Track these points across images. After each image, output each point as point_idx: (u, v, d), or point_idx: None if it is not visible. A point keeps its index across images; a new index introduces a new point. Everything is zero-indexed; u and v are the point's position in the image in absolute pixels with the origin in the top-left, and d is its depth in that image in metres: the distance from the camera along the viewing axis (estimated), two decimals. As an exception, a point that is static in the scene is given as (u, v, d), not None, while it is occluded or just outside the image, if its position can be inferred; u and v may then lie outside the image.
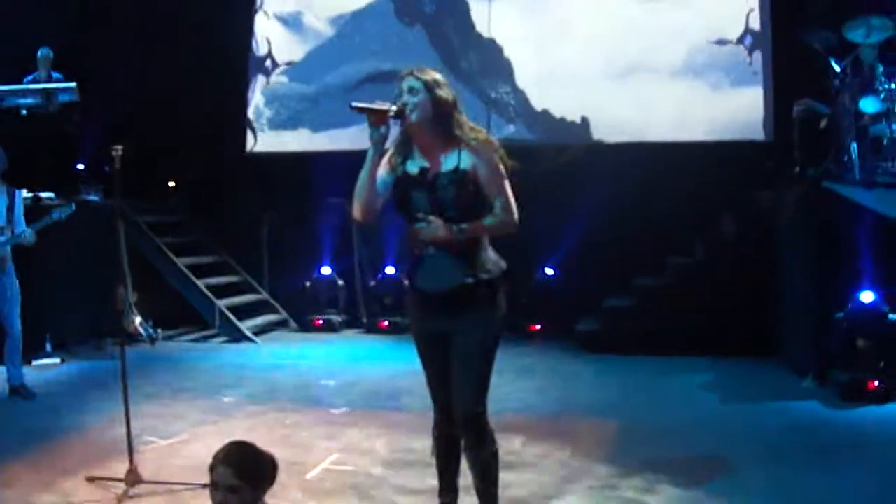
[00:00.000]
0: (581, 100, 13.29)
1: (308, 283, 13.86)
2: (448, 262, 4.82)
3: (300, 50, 14.78)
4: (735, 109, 12.76)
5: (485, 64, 13.77)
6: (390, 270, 13.51)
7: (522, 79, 13.64)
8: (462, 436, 5.01)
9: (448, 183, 4.81)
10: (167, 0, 13.79)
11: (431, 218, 4.76)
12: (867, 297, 8.94)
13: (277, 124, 14.81)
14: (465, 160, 4.82)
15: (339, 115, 13.33)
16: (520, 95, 13.63)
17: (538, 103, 13.54)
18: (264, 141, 14.75)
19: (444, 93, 4.86)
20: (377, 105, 4.79)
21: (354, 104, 4.80)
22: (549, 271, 13.02)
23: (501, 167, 4.86)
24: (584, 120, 13.28)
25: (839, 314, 8.98)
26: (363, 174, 4.85)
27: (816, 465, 6.63)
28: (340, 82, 14.35)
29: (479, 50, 13.85)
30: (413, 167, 4.92)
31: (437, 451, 5.26)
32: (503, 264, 4.98)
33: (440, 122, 4.85)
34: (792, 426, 7.81)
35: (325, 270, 13.89)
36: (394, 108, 4.79)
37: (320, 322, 13.74)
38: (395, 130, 4.92)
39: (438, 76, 4.92)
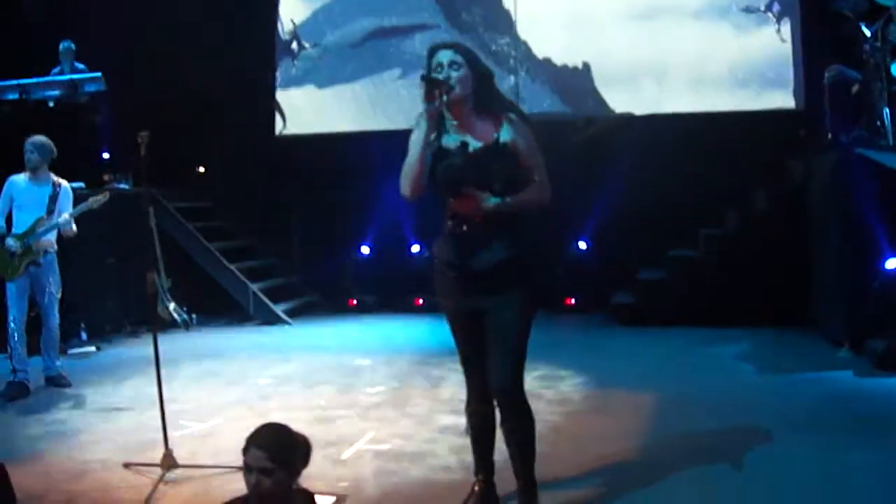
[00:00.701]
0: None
1: (342, 264, 13.87)
2: (486, 238, 4.79)
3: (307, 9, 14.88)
4: (765, 78, 12.68)
5: (486, 16, 13.78)
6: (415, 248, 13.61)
7: (524, 30, 13.66)
8: (500, 411, 5.01)
9: (492, 155, 4.79)
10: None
11: (476, 192, 4.72)
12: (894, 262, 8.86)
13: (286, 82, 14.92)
14: (505, 133, 4.81)
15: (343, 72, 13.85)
16: (521, 46, 13.65)
17: (539, 52, 13.57)
18: (292, 123, 14.77)
19: (484, 67, 4.88)
20: (439, 76, 4.74)
21: (430, 75, 4.73)
22: (583, 245, 13.00)
23: (536, 143, 4.85)
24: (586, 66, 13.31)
25: (874, 282, 8.90)
26: (416, 150, 4.78)
27: (853, 436, 6.56)
28: (343, 40, 14.51)
29: (480, 2, 13.89)
30: (451, 141, 4.87)
31: (472, 429, 5.26)
32: (539, 239, 4.96)
33: (481, 96, 4.84)
34: (828, 396, 7.76)
35: (365, 250, 13.94)
36: (445, 82, 4.73)
37: (354, 302, 13.77)
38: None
39: (473, 49, 4.94)
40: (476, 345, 4.98)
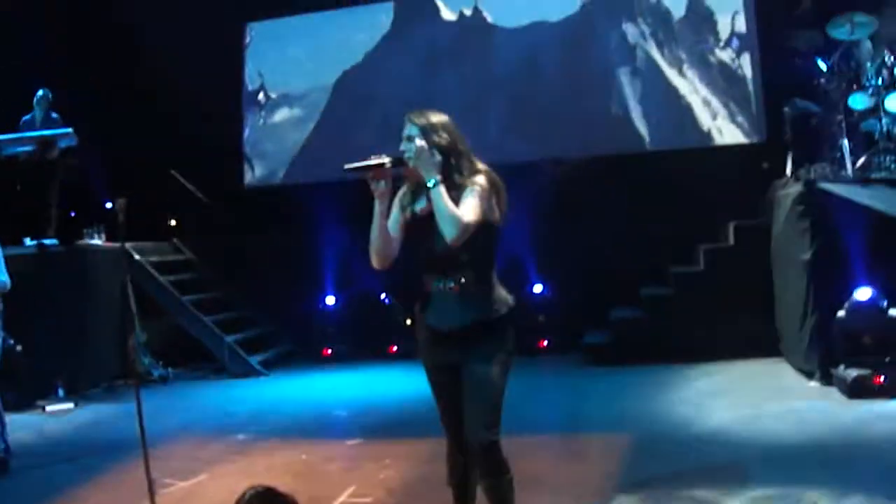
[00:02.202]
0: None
1: (316, 313, 13.93)
2: (458, 300, 4.89)
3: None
4: (726, 112, 12.89)
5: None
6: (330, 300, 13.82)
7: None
8: (477, 465, 5.03)
9: None
10: (159, 34, 13.93)
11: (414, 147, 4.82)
12: (864, 293, 9.03)
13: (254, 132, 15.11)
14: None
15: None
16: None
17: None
18: (260, 173, 14.90)
19: (441, 137, 4.89)
20: (373, 160, 4.83)
21: (348, 166, 4.86)
22: (539, 288, 12.93)
23: (486, 187, 4.83)
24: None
25: (840, 312, 9.05)
26: (373, 227, 4.91)
27: (827, 468, 6.64)
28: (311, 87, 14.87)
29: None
30: (420, 207, 4.98)
31: (452, 480, 5.30)
32: (511, 301, 5.04)
33: (446, 165, 4.88)
34: (801, 427, 7.85)
35: (330, 300, 13.96)
36: (388, 159, 4.83)
37: (328, 352, 13.80)
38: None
39: (436, 119, 4.95)
40: (452, 398, 5.03)
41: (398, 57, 14.46)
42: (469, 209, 4.73)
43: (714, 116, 12.98)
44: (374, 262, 4.99)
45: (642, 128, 13.25)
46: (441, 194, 4.72)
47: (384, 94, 14.11)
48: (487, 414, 4.91)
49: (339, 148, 13.86)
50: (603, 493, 6.55)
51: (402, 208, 5.02)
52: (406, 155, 4.86)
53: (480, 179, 4.85)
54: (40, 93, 12.84)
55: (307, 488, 6.84)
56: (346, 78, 14.65)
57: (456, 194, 4.80)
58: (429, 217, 4.88)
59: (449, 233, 4.68)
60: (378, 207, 4.88)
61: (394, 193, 5.00)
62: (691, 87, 13.06)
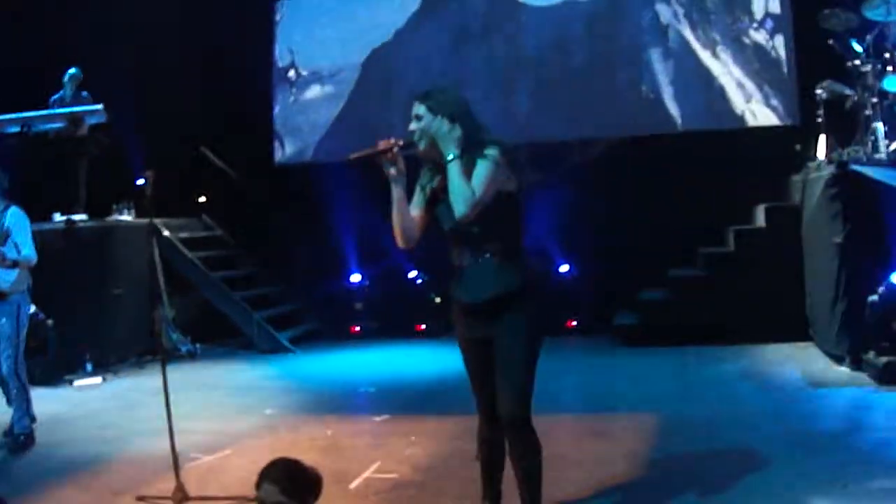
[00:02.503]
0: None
1: (343, 291, 13.95)
2: (486, 273, 4.88)
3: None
4: (759, 94, 12.78)
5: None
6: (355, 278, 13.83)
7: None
8: (507, 439, 5.06)
9: None
10: (191, 9, 13.95)
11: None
12: (897, 278, 8.93)
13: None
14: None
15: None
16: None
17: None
18: (290, 150, 14.90)
19: (450, 112, 4.86)
20: (380, 145, 4.83)
21: (352, 156, 4.88)
22: (565, 268, 12.94)
23: (495, 168, 4.78)
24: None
25: (872, 297, 8.96)
26: (393, 210, 4.93)
27: (854, 453, 6.59)
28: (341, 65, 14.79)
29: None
30: (436, 183, 5.00)
31: (481, 456, 5.33)
32: (539, 273, 5.03)
33: (462, 138, 4.86)
34: (829, 412, 7.80)
35: (355, 278, 13.98)
36: (401, 142, 4.84)
37: (357, 329, 13.82)
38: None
39: (444, 95, 4.96)
40: (484, 373, 5.05)
41: (427, 36, 14.34)
42: (480, 183, 4.73)
43: (747, 98, 12.84)
44: (399, 243, 5.00)
45: (674, 109, 13.12)
46: (457, 170, 4.72)
47: (412, 73, 14.04)
48: (519, 389, 4.93)
49: (368, 127, 13.80)
50: (626, 470, 6.55)
51: (423, 188, 5.04)
52: (415, 136, 4.86)
53: (493, 152, 4.82)
54: (71, 71, 12.87)
55: (332, 463, 6.87)
56: (374, 56, 14.57)
57: (470, 167, 4.80)
58: (440, 192, 4.92)
59: (459, 209, 4.71)
60: (394, 190, 4.88)
61: (412, 176, 4.99)
62: (724, 69, 12.92)
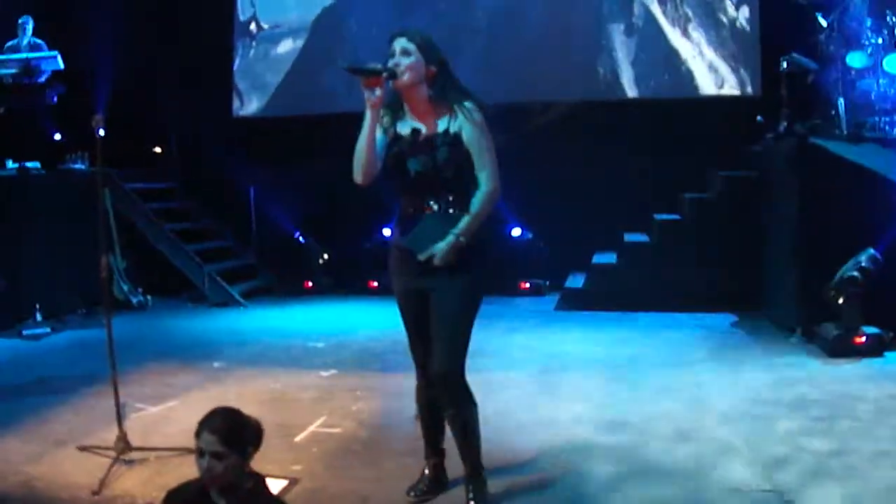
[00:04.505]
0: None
1: (296, 246, 13.88)
2: (446, 222, 4.82)
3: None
4: (722, 64, 12.77)
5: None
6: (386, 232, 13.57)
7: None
8: (440, 395, 5.03)
9: (440, 144, 4.81)
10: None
11: (440, 245, 4.80)
12: (850, 252, 8.90)
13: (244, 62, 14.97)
14: (455, 123, 4.82)
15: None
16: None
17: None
18: (248, 104, 14.76)
19: (438, 56, 4.86)
20: (371, 66, 4.75)
21: (348, 66, 4.77)
22: (518, 231, 12.95)
23: (487, 134, 4.84)
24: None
25: (825, 270, 8.98)
26: (361, 138, 4.81)
27: (799, 421, 6.64)
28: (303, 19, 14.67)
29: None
30: (404, 128, 4.92)
31: (421, 414, 5.32)
32: (488, 234, 4.99)
33: (431, 85, 4.84)
34: (777, 381, 7.83)
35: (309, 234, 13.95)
36: (383, 68, 4.75)
37: (310, 285, 13.77)
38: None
39: (429, 36, 4.90)
40: (421, 327, 5.02)
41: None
42: (488, 158, 4.84)
43: (710, 68, 12.82)
44: (358, 178, 4.89)
45: (631, 76, 13.06)
46: (477, 218, 4.84)
47: (356, 34, 13.91)
48: (453, 343, 4.91)
49: (313, 86, 13.70)
50: (571, 431, 6.56)
51: (384, 129, 4.93)
52: (399, 69, 4.78)
53: (478, 117, 4.83)
54: (22, 19, 12.65)
55: (278, 416, 6.87)
56: (323, 15, 14.40)
57: (448, 113, 4.83)
58: (410, 139, 4.83)
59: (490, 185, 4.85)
60: (369, 117, 4.78)
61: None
62: (687, 39, 12.88)
